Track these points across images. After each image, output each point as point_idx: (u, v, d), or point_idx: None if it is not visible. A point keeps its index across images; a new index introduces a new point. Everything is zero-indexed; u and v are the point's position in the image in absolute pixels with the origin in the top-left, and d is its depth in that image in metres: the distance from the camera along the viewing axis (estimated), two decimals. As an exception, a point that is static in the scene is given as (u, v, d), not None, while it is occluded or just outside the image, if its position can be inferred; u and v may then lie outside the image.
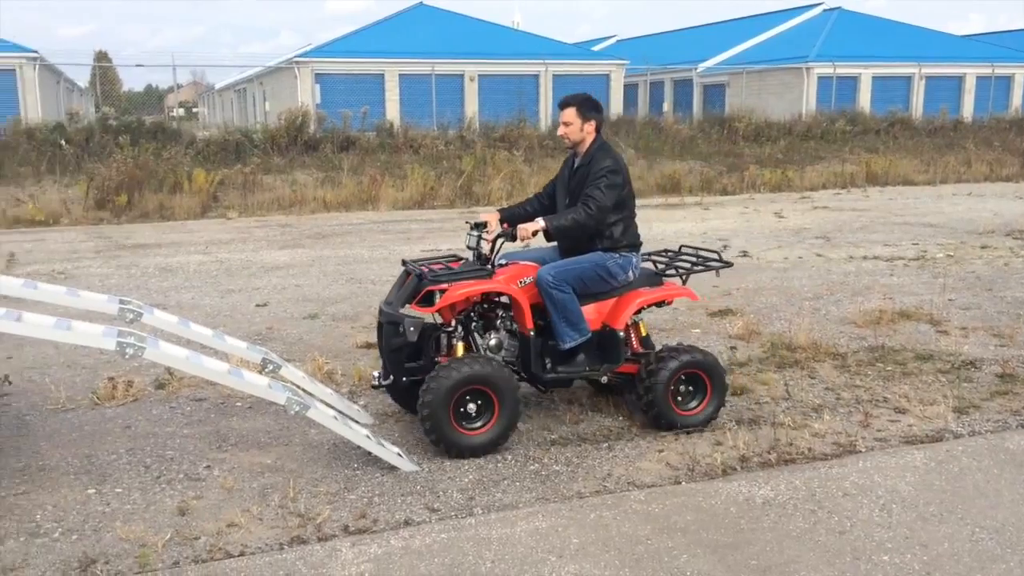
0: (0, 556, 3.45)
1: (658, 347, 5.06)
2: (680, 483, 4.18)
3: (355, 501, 3.97)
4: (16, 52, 25.76)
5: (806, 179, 19.73)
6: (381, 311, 4.69)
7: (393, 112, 26.94)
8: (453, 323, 4.77)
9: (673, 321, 7.39)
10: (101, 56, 55.87)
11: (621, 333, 4.83)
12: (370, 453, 4.32)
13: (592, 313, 4.86)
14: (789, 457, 4.47)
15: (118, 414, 5.14)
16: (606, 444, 4.66)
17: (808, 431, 4.82)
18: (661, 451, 4.57)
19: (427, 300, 4.61)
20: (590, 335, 4.80)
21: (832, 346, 6.48)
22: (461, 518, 3.81)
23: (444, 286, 4.57)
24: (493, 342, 4.84)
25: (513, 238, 4.73)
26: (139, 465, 4.37)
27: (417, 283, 4.65)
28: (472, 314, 4.85)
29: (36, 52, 26.01)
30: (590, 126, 4.93)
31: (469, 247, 4.88)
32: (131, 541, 3.56)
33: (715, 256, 5.23)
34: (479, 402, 4.45)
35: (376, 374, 4.81)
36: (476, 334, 4.86)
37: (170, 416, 5.12)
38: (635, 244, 4.97)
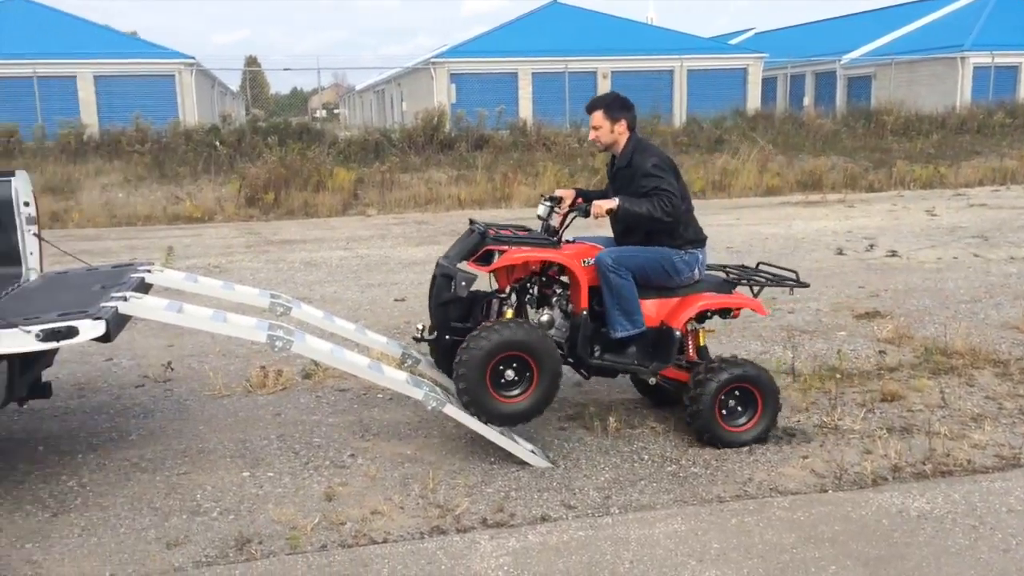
0: (166, 531, 3.68)
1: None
2: (827, 491, 4.01)
3: (492, 495, 4.02)
4: (175, 59, 27.48)
5: (960, 175, 18.58)
6: (437, 264, 4.61)
7: (526, 110, 27.13)
8: (508, 290, 4.65)
9: (816, 323, 7.11)
10: (251, 61, 58.92)
11: (678, 333, 4.63)
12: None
13: (651, 309, 4.66)
14: (946, 469, 4.22)
15: (269, 401, 5.39)
16: (746, 448, 4.53)
17: (967, 442, 4.53)
18: (805, 457, 4.40)
19: (485, 259, 4.50)
20: (644, 329, 4.60)
21: (992, 352, 6.07)
22: (598, 516, 3.79)
23: (504, 248, 4.45)
24: (545, 318, 4.68)
25: (587, 214, 4.60)
26: (289, 451, 4.57)
27: (479, 240, 4.54)
28: (528, 285, 4.71)
29: (193, 58, 27.67)
30: (620, 126, 4.79)
31: (540, 217, 4.74)
32: (282, 523, 3.73)
33: (793, 276, 4.91)
34: (516, 367, 4.29)
35: (420, 326, 4.72)
36: (529, 306, 4.73)
37: (316, 405, 5.33)
38: (699, 240, 4.79)
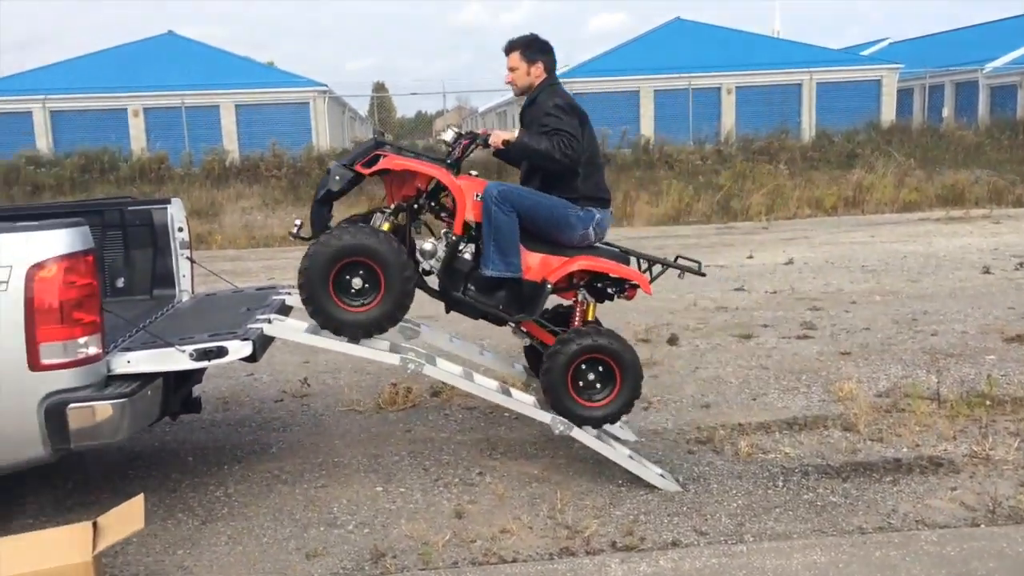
0: (305, 542, 3.82)
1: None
2: (979, 526, 3.78)
3: (621, 517, 3.98)
4: (310, 87, 28.74)
5: (1122, 187, 17.27)
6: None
7: (647, 128, 26.93)
8: (392, 206, 4.52)
9: (963, 346, 6.72)
10: (379, 87, 60.96)
11: (549, 286, 4.42)
12: (635, 470, 4.32)
13: (535, 262, 4.44)
14: (1116, 507, 3.90)
15: (399, 418, 5.53)
16: (889, 478, 4.31)
17: None
18: (954, 489, 4.16)
19: (371, 163, 4.37)
20: (518, 275, 4.38)
21: None
22: (731, 544, 3.69)
23: (387, 152, 4.36)
24: (428, 246, 4.45)
25: (486, 144, 4.51)
26: (419, 467, 4.67)
27: (372, 145, 4.47)
28: (416, 207, 4.55)
29: (326, 86, 28.87)
30: (537, 69, 4.58)
31: (445, 142, 4.55)
32: (415, 538, 3.81)
33: (696, 264, 4.70)
34: (363, 275, 4.16)
35: (298, 222, 4.60)
36: (415, 230, 4.57)
37: (445, 423, 5.42)
38: (600, 199, 4.54)
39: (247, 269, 12.26)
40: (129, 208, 5.00)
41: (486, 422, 5.41)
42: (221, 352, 3.76)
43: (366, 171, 4.37)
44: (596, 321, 4.74)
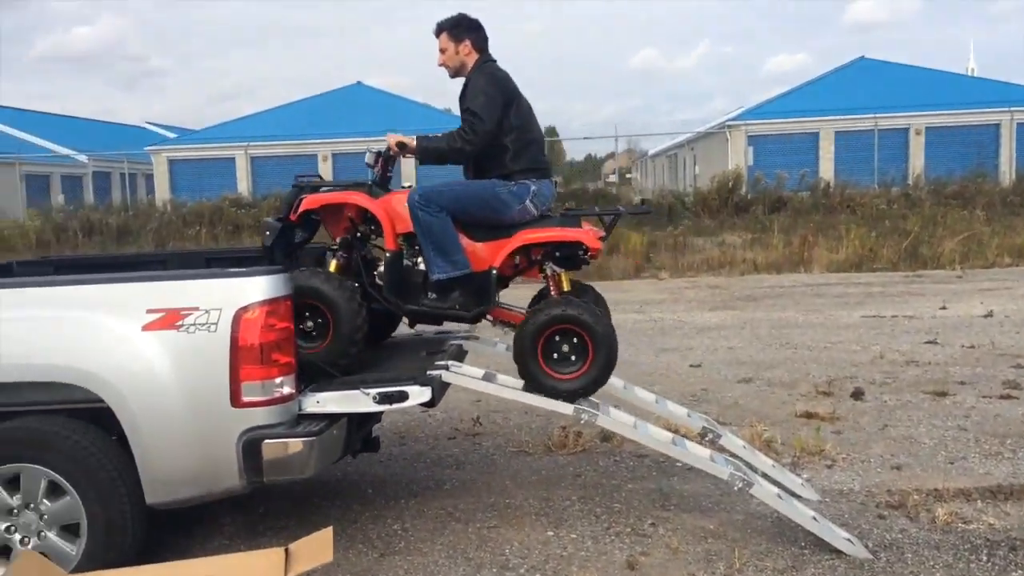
0: (477, 582, 3.86)
1: None
2: None
3: (804, 583, 3.76)
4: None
5: None
6: None
7: (827, 170, 25.94)
8: (338, 241, 4.58)
9: None
10: (549, 132, 62.17)
11: (494, 272, 4.36)
12: (819, 533, 4.08)
13: (482, 251, 4.40)
14: None
15: (569, 462, 5.51)
16: (1116, 561, 3.85)
17: None
18: None
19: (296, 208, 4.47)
20: (468, 271, 4.33)
21: None
22: (930, 622, 3.40)
23: (306, 194, 4.44)
24: (381, 268, 4.47)
25: (391, 153, 4.53)
26: (590, 514, 4.62)
27: (295, 192, 4.53)
28: (359, 235, 4.57)
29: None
30: (465, 47, 4.52)
31: (368, 165, 4.61)
32: (586, 587, 3.76)
33: (643, 204, 4.36)
34: (309, 315, 4.16)
35: None
36: (360, 258, 4.55)
37: (615, 469, 5.35)
38: (535, 169, 4.43)
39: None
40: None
41: (658, 471, 5.29)
42: (402, 397, 3.93)
43: (292, 217, 4.52)
44: (575, 291, 4.68)
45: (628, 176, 61.47)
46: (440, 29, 4.63)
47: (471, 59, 4.60)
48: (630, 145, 65.26)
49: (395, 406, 3.95)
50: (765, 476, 4.47)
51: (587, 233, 4.46)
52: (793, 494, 4.47)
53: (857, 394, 6.84)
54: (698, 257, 16.44)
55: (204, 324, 3.53)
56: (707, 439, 4.91)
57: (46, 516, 3.62)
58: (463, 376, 4.35)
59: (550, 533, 4.37)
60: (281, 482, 3.84)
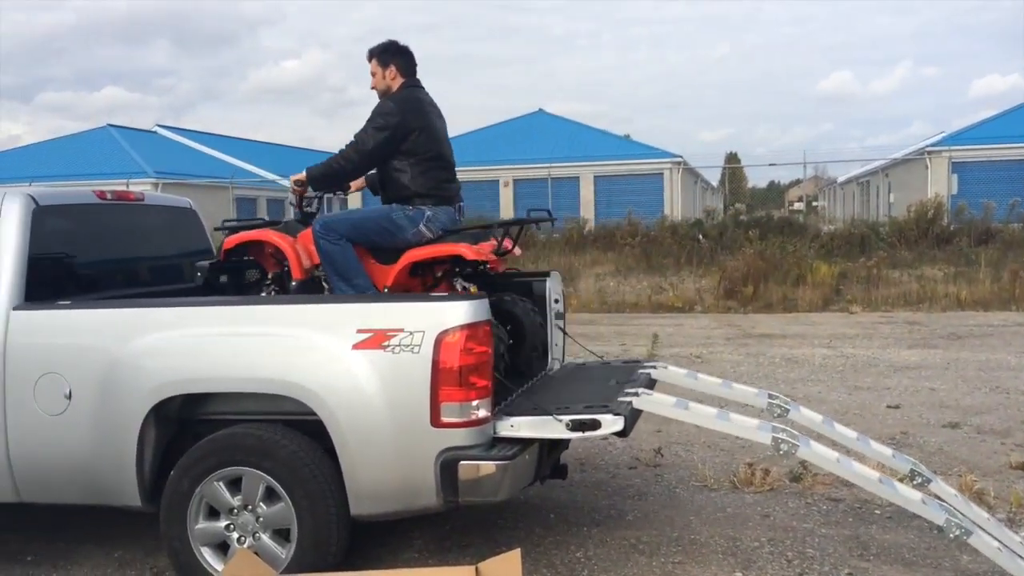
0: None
1: None
2: None
3: (1026, 653, 3.44)
4: (665, 158, 29.50)
5: None
6: None
7: (1043, 200, 23.79)
8: (271, 275, 4.93)
9: None
10: (731, 158, 60.79)
11: (386, 290, 4.55)
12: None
13: (380, 274, 4.63)
14: None
15: (756, 500, 5.32)
16: None
17: None
18: None
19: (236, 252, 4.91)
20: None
21: None
22: None
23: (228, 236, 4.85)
24: None
25: (302, 189, 4.87)
26: (781, 558, 4.44)
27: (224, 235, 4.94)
28: (287, 270, 4.81)
29: (680, 157, 29.42)
30: (391, 72, 4.74)
31: (291, 204, 5.08)
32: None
33: (545, 212, 4.94)
34: None
35: None
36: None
37: (807, 512, 5.12)
38: (431, 195, 4.63)
39: (599, 333, 12.69)
40: (514, 279, 5.40)
41: (854, 517, 5.01)
42: (594, 425, 3.90)
43: (221, 258, 4.94)
44: None
45: (815, 204, 58.97)
46: (371, 55, 4.89)
47: (396, 83, 4.84)
48: (817, 172, 62.63)
49: (587, 434, 3.95)
50: (984, 531, 4.12)
51: (467, 247, 4.59)
52: (1015, 552, 4.10)
53: (1083, 447, 6.21)
54: (894, 291, 15.49)
55: (408, 345, 3.70)
56: (915, 483, 4.59)
57: (262, 519, 3.90)
58: (655, 403, 4.30)
59: (738, 574, 4.24)
60: (475, 503, 3.92)
